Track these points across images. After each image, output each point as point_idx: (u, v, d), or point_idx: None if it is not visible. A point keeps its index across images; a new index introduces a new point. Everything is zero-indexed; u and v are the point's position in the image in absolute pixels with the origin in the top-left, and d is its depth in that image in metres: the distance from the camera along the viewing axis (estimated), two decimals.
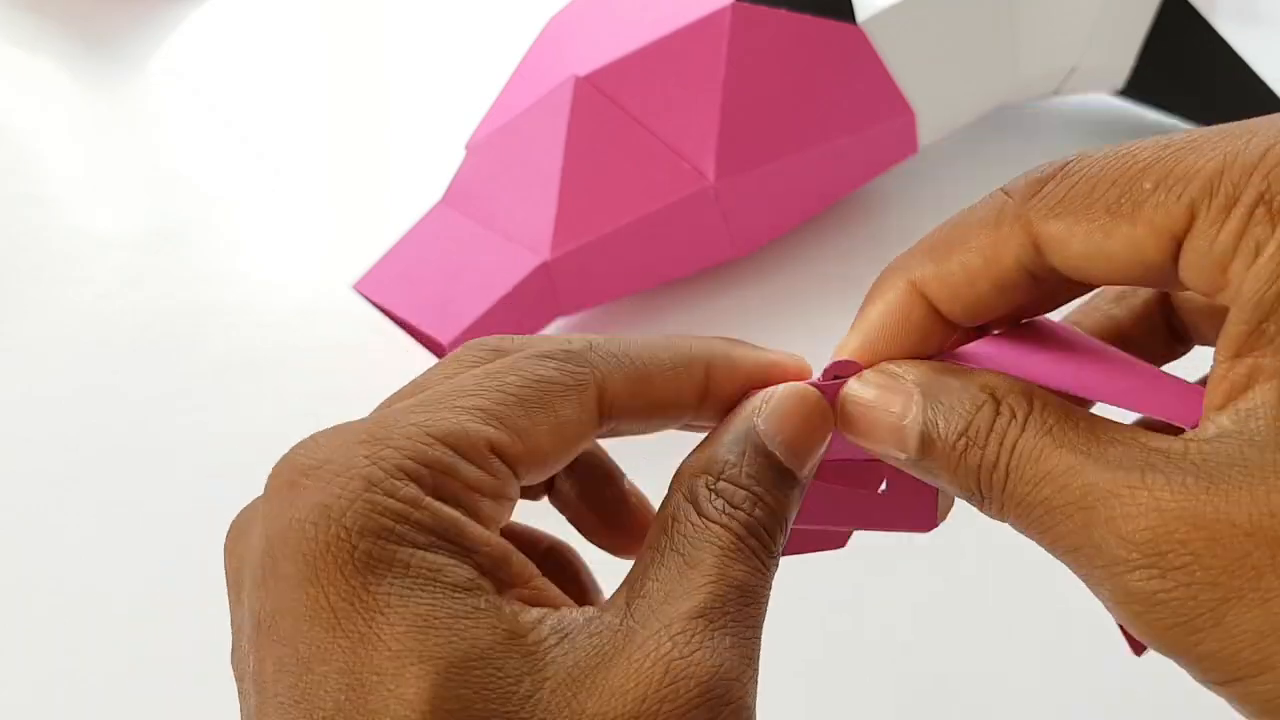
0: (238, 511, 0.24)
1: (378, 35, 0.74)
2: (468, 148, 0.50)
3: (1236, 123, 0.20)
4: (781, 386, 0.24)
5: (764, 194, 0.49)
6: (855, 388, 0.23)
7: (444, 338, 0.45)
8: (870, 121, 0.50)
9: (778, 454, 0.23)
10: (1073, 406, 0.21)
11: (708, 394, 0.24)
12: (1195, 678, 0.19)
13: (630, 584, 0.21)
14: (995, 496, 0.21)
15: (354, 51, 0.73)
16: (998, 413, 0.21)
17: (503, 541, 0.21)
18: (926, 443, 0.22)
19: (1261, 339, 0.19)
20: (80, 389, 0.50)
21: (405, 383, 0.23)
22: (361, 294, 0.47)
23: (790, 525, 0.23)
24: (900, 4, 0.50)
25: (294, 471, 0.21)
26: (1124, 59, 0.55)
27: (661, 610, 0.20)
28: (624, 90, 0.47)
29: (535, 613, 0.20)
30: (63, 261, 0.57)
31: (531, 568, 0.21)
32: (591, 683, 0.19)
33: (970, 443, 0.21)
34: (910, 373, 0.23)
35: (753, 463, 0.23)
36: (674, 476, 0.23)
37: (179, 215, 0.60)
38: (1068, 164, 0.22)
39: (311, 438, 0.22)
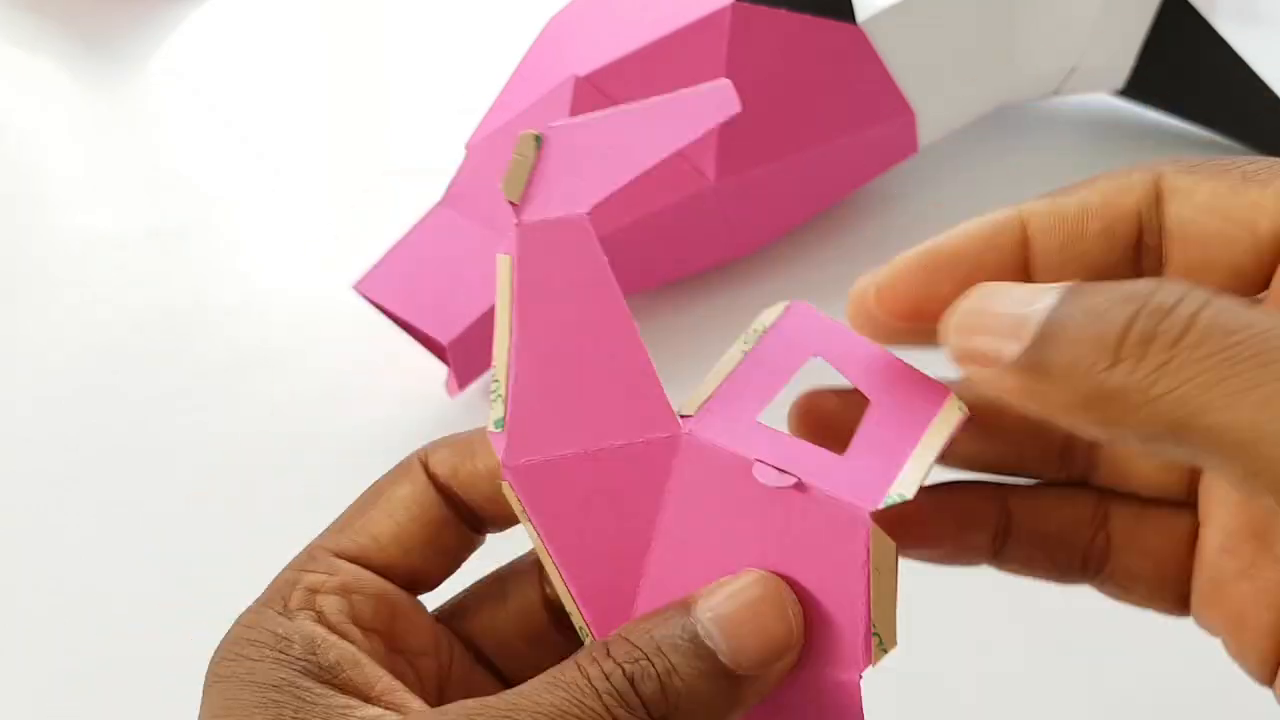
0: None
1: (378, 35, 0.74)
2: (468, 148, 0.50)
3: None
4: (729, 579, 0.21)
5: (764, 194, 0.49)
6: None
7: (444, 338, 0.45)
8: (870, 121, 0.50)
9: (706, 632, 0.20)
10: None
11: None
12: None
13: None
14: (1163, 346, 0.17)
15: (354, 51, 0.73)
16: (1161, 282, 0.18)
17: (340, 646, 0.22)
18: (1056, 321, 0.18)
19: None
20: (80, 389, 0.50)
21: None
22: (361, 294, 0.47)
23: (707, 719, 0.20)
24: (900, 4, 0.50)
25: None
26: (1124, 59, 0.55)
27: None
28: (624, 90, 0.47)
29: (370, 710, 0.21)
30: (63, 261, 0.57)
31: (382, 678, 0.22)
32: None
33: (1130, 298, 0.17)
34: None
35: (667, 632, 0.20)
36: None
37: (179, 215, 0.60)
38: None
39: None
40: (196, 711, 0.22)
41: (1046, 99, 0.58)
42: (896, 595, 0.21)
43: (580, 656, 0.20)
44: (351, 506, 0.25)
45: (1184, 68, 0.55)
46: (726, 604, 0.21)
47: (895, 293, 0.22)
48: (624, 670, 0.20)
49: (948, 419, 0.22)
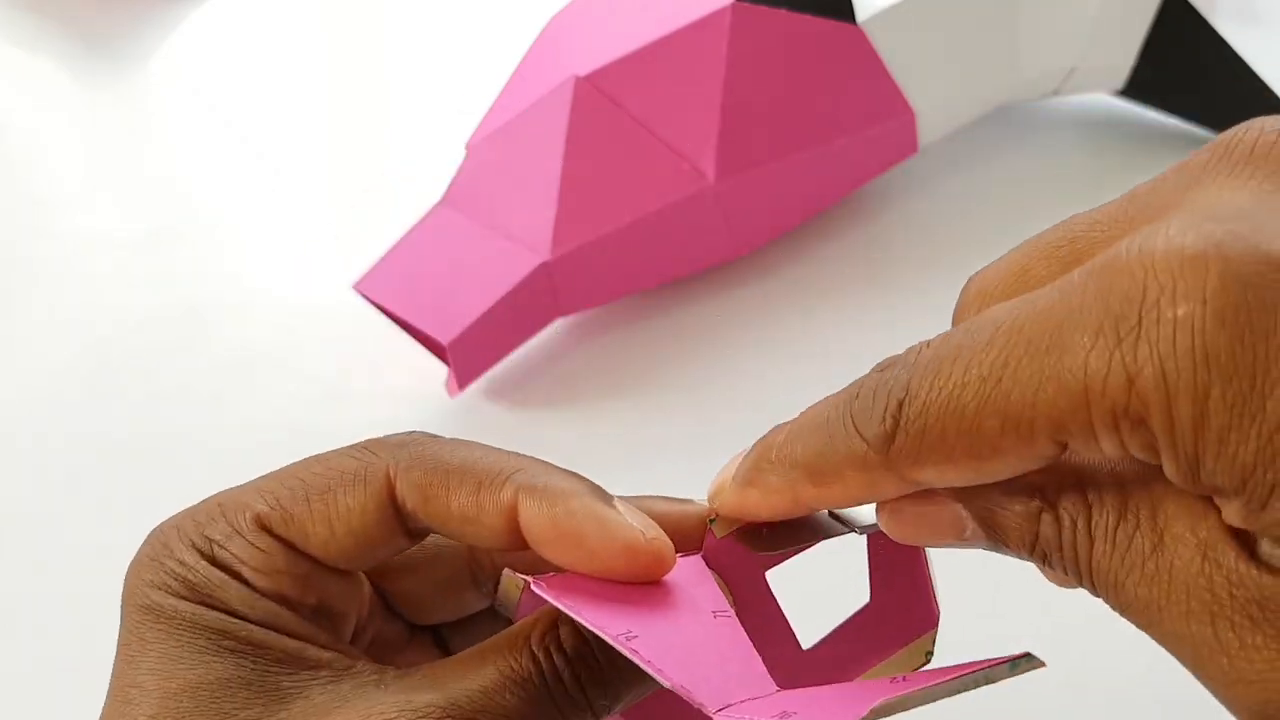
0: None
1: (378, 35, 0.73)
2: (468, 148, 0.50)
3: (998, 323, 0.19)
4: None
5: (764, 194, 0.49)
6: (885, 521, 0.22)
7: (444, 338, 0.45)
8: (870, 121, 0.50)
9: None
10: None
11: (515, 525, 0.23)
12: None
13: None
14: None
15: (354, 52, 0.73)
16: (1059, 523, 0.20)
17: (268, 605, 0.23)
18: (987, 520, 0.21)
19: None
20: (80, 389, 0.50)
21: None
22: (361, 294, 0.47)
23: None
24: (900, 4, 0.50)
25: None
26: (1124, 59, 0.55)
27: (415, 687, 0.21)
28: (624, 90, 0.47)
29: (324, 654, 0.23)
30: (63, 261, 0.57)
31: (305, 632, 0.23)
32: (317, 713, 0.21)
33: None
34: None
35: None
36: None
37: (179, 215, 0.60)
38: (901, 408, 0.20)
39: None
40: None
41: (1046, 99, 0.58)
42: None
43: (533, 635, 0.22)
44: (293, 478, 0.24)
45: (1184, 68, 0.55)
46: None
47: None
48: (573, 668, 0.22)
49: None
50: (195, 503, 0.25)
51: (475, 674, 0.22)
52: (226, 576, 0.23)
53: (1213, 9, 0.57)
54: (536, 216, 0.47)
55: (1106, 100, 0.59)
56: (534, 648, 0.22)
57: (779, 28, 0.48)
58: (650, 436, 0.46)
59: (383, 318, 0.48)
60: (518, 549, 0.23)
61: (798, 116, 0.49)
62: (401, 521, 0.24)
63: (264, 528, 0.24)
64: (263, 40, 0.73)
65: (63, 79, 0.71)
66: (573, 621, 0.22)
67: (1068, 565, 0.20)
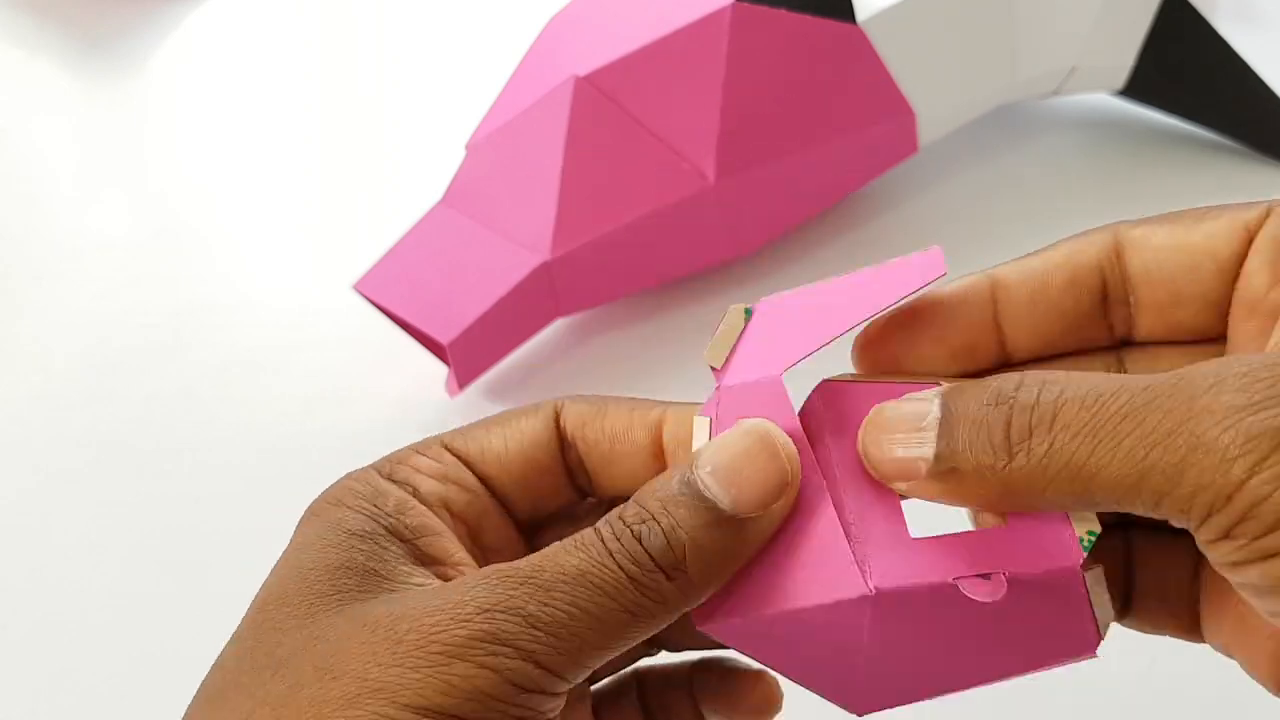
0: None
1: (377, 35, 0.73)
2: (468, 148, 0.50)
3: None
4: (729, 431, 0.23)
5: (764, 194, 0.49)
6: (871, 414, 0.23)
7: (444, 338, 0.45)
8: (870, 121, 0.50)
9: (704, 484, 0.22)
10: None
11: (659, 438, 0.25)
12: None
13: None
14: (1042, 435, 0.20)
15: (353, 51, 0.73)
16: (1026, 374, 0.21)
17: (425, 514, 0.24)
18: (946, 423, 0.21)
19: None
20: (80, 389, 0.50)
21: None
22: (361, 294, 0.47)
23: (717, 566, 0.22)
24: (900, 4, 0.50)
25: None
26: (1124, 59, 0.55)
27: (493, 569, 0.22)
28: (624, 90, 0.47)
29: (432, 579, 0.23)
30: (63, 261, 0.57)
31: (459, 551, 0.24)
32: (409, 598, 0.22)
33: (1000, 400, 0.21)
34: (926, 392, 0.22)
35: (670, 490, 0.22)
36: None
37: (179, 215, 0.60)
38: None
39: None
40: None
41: (1046, 99, 0.58)
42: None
43: (599, 523, 0.22)
44: (476, 421, 0.26)
45: (1184, 68, 0.55)
46: (720, 455, 0.22)
47: (877, 351, 0.25)
48: (632, 531, 0.22)
49: None
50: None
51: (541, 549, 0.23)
52: (394, 487, 0.24)
53: (1213, 9, 0.57)
54: (536, 216, 0.47)
55: (1106, 100, 0.59)
56: (599, 527, 0.22)
57: (779, 28, 0.48)
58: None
59: (383, 318, 0.48)
60: (657, 469, 0.25)
61: (798, 117, 0.49)
62: (566, 456, 0.26)
63: (446, 445, 0.26)
64: (262, 40, 0.73)
65: (63, 79, 0.71)
66: (635, 499, 0.22)
67: (1021, 393, 0.21)
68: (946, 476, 0.21)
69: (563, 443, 0.26)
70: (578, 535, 0.22)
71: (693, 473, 0.22)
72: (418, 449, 0.26)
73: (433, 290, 0.46)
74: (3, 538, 0.45)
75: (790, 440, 0.23)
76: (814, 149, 0.49)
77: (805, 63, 0.48)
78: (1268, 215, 0.22)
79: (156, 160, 0.64)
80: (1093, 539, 0.22)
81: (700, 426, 0.24)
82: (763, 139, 0.48)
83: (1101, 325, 0.24)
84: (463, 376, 0.46)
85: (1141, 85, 0.56)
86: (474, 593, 0.21)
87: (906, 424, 0.22)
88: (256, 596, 0.23)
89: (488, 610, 0.21)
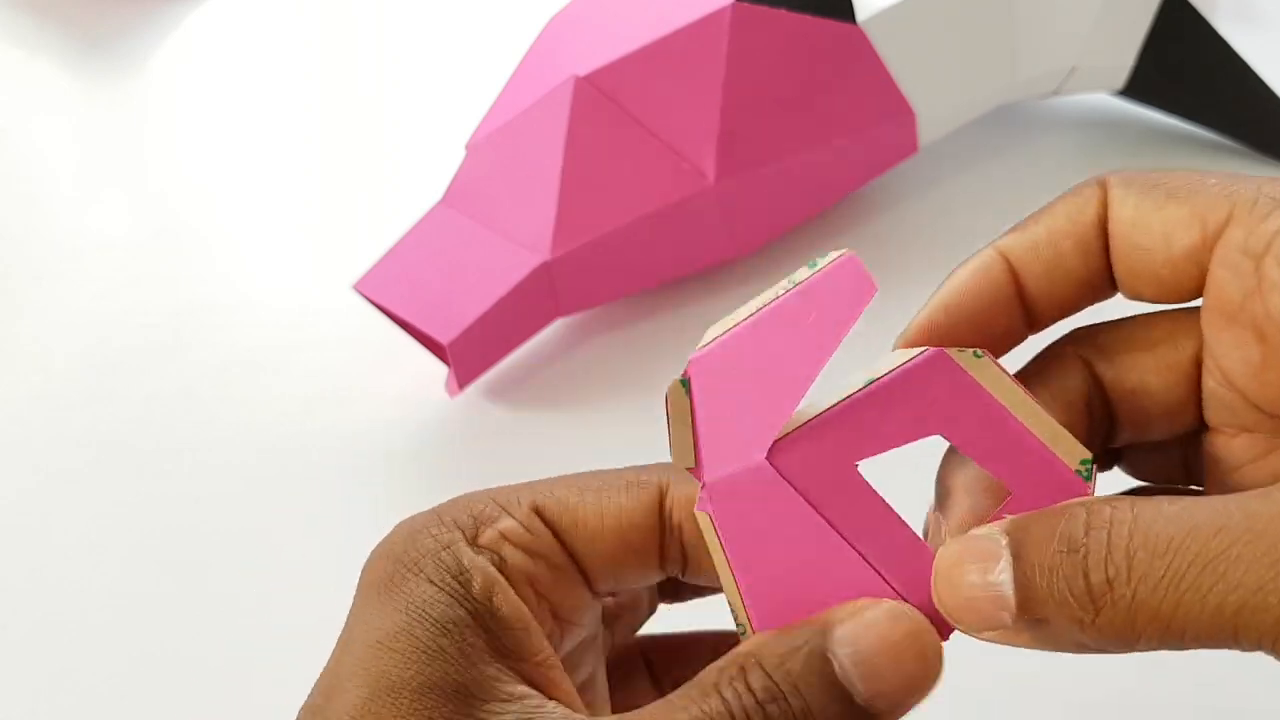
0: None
1: (377, 35, 0.73)
2: (468, 148, 0.50)
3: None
4: (869, 605, 0.21)
5: (764, 194, 0.49)
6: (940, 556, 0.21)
7: (444, 338, 0.45)
8: (870, 121, 0.50)
9: (842, 669, 0.21)
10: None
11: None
12: None
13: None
14: (1122, 588, 0.19)
15: (353, 51, 0.73)
16: (1090, 511, 0.20)
17: (515, 604, 0.22)
18: (1024, 587, 0.20)
19: None
20: (80, 389, 0.50)
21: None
22: (361, 294, 0.47)
23: None
24: (900, 4, 0.50)
25: None
26: (1124, 59, 0.55)
27: None
28: (624, 90, 0.47)
29: (518, 688, 0.21)
30: (63, 261, 0.57)
31: (544, 649, 0.22)
32: None
33: (1072, 547, 0.20)
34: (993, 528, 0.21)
35: (797, 663, 0.21)
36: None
37: (179, 215, 0.60)
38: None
39: None
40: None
41: (1046, 99, 0.58)
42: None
43: (720, 681, 0.21)
44: (569, 478, 0.25)
45: (1184, 68, 0.55)
46: (864, 639, 0.21)
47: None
48: (764, 710, 0.20)
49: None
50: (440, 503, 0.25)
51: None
52: (480, 558, 0.23)
53: (1213, 9, 0.57)
54: (536, 216, 0.47)
55: (1106, 100, 0.59)
56: (723, 691, 0.21)
57: (779, 28, 0.48)
58: (650, 436, 0.46)
59: (383, 318, 0.48)
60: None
61: (797, 117, 0.49)
62: (661, 539, 0.25)
63: (537, 511, 0.24)
64: (262, 40, 0.73)
65: (63, 79, 0.71)
66: (761, 664, 0.21)
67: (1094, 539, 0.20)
68: (1032, 632, 0.21)
69: (663, 526, 0.25)
70: (698, 694, 0.21)
71: (829, 649, 0.21)
72: (502, 503, 0.24)
73: (433, 290, 0.46)
74: (3, 538, 0.45)
75: (938, 637, 0.21)
76: (814, 149, 0.49)
77: (805, 63, 0.48)
78: (1227, 223, 0.22)
79: (156, 160, 0.64)
80: (1088, 466, 0.22)
81: (705, 524, 0.23)
82: (763, 139, 0.48)
83: (1108, 281, 0.24)
84: (463, 376, 0.46)
85: (1141, 85, 0.56)
86: None
87: (977, 576, 0.21)
88: (324, 686, 0.21)
89: None
